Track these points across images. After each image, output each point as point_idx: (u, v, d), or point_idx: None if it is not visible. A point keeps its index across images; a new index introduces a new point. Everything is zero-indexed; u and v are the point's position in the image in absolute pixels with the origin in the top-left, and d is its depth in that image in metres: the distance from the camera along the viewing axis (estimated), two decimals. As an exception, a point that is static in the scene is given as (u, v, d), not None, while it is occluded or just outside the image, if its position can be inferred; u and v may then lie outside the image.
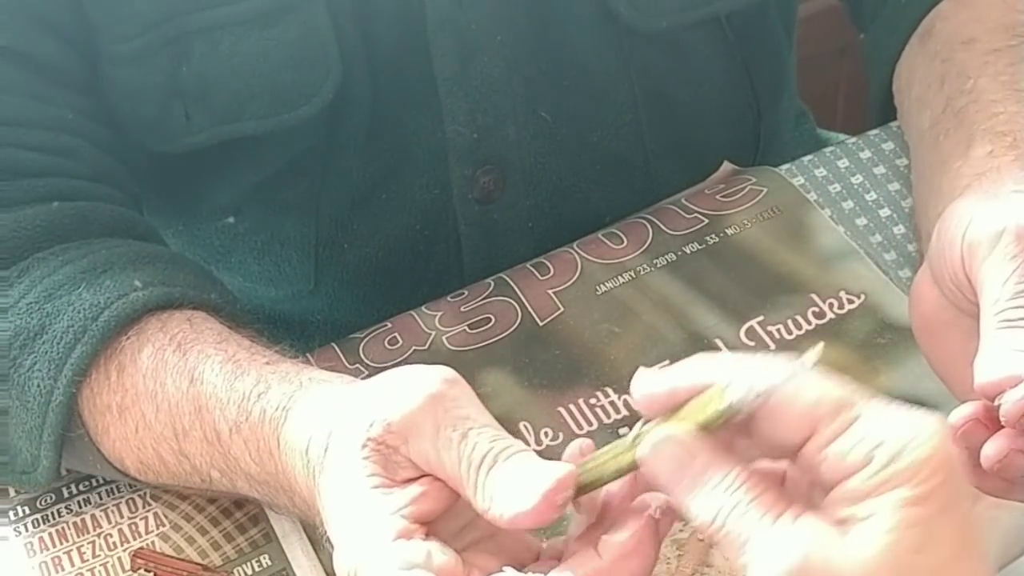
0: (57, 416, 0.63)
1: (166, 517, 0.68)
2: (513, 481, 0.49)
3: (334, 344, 0.75)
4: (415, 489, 0.51)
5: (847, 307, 0.74)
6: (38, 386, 0.63)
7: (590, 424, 0.70)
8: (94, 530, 0.68)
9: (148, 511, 0.68)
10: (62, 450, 0.64)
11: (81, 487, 0.70)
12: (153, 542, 0.67)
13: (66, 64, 0.73)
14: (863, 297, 0.75)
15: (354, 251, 0.86)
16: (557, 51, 0.80)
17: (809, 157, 0.84)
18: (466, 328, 0.75)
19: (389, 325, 0.76)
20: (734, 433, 0.47)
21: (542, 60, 0.80)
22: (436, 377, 0.52)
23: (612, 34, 0.80)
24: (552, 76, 0.81)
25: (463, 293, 0.78)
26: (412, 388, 0.52)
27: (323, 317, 0.88)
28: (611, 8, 0.79)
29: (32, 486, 0.67)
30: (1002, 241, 0.57)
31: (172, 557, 0.66)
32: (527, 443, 0.58)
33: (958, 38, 0.75)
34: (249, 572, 0.65)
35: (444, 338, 0.75)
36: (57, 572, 0.66)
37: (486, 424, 0.51)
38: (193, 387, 0.62)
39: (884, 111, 0.83)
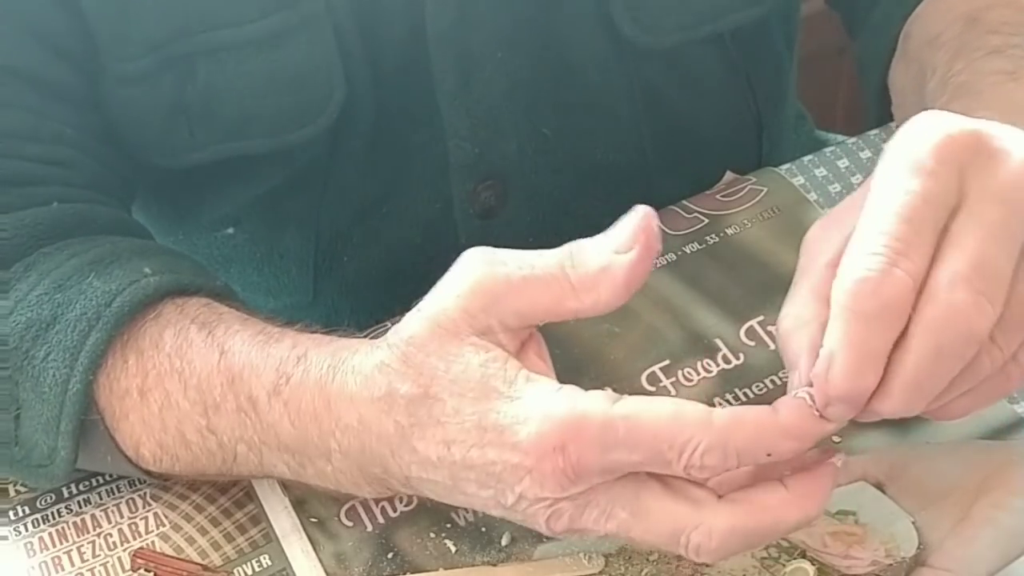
0: (74, 405, 0.63)
1: (166, 517, 0.68)
2: (605, 255, 0.54)
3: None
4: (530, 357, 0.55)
5: (847, 307, 0.74)
6: (53, 376, 0.63)
7: (590, 424, 0.70)
8: (94, 530, 0.68)
9: (148, 511, 0.68)
10: (79, 441, 0.64)
11: (81, 487, 0.70)
12: (153, 542, 0.67)
13: (66, 82, 0.74)
14: (863, 297, 0.74)
15: (354, 264, 0.86)
16: (559, 68, 0.80)
17: (809, 157, 0.84)
18: (466, 328, 0.75)
19: (389, 324, 0.76)
20: None
21: (544, 76, 0.80)
22: (470, 258, 0.55)
23: (615, 51, 0.81)
24: (554, 92, 0.81)
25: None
26: (461, 274, 0.55)
27: (322, 329, 0.89)
28: (615, 26, 0.79)
29: (49, 480, 0.66)
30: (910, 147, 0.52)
31: (172, 557, 0.66)
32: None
33: (926, 37, 0.75)
34: (249, 572, 0.65)
35: (444, 338, 0.75)
36: (57, 572, 0.66)
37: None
38: (224, 359, 0.62)
39: (881, 117, 0.83)
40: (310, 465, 0.61)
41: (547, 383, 0.53)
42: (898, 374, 0.50)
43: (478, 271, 0.55)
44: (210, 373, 0.62)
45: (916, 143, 0.51)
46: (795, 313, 0.55)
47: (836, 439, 0.67)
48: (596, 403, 0.52)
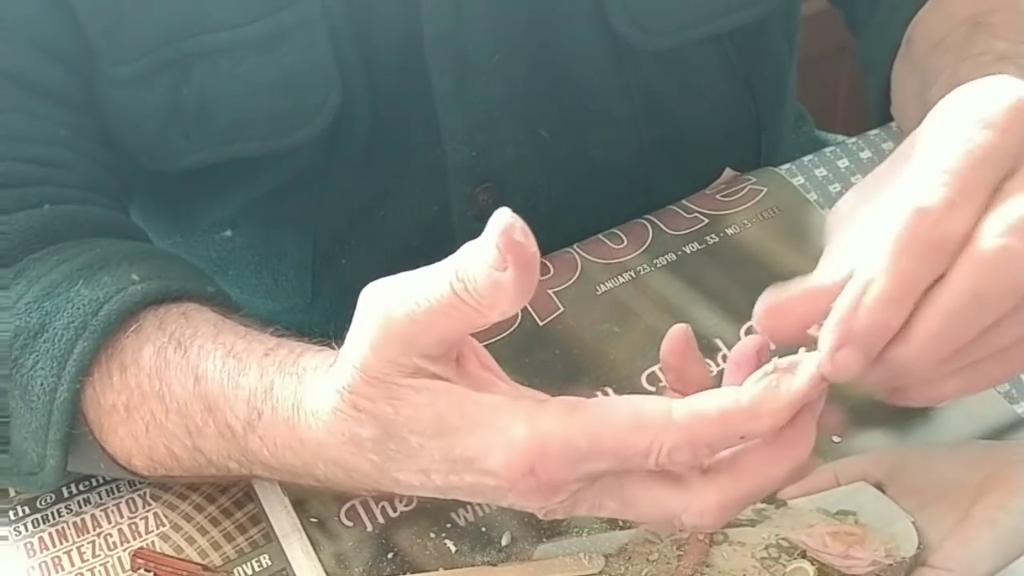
0: (62, 413, 0.63)
1: (166, 517, 0.68)
2: (481, 259, 0.51)
3: (333, 344, 0.75)
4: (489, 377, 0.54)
5: (847, 307, 0.74)
6: (41, 384, 0.63)
7: (590, 424, 0.70)
8: (94, 530, 0.68)
9: (148, 511, 0.68)
10: (68, 448, 0.64)
11: (81, 487, 0.70)
12: (153, 542, 0.67)
13: (62, 84, 0.73)
14: (863, 297, 0.74)
15: (352, 266, 0.86)
16: (557, 70, 0.80)
17: (809, 157, 0.84)
18: (466, 328, 0.75)
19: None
20: None
21: (541, 78, 0.80)
22: (363, 301, 0.54)
23: (613, 53, 0.81)
24: (551, 94, 0.81)
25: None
26: (361, 323, 0.53)
27: (320, 331, 0.89)
28: (612, 28, 0.79)
29: (39, 487, 0.67)
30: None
31: (172, 557, 0.66)
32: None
33: (929, 44, 0.75)
34: (249, 572, 0.65)
35: (444, 338, 0.75)
36: (57, 572, 0.66)
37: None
38: (199, 386, 0.62)
39: (882, 117, 0.83)
40: (301, 480, 0.61)
41: (498, 400, 0.52)
42: (927, 316, 0.48)
43: (380, 318, 0.53)
44: (188, 399, 0.62)
45: (986, 100, 0.50)
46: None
47: (836, 439, 0.67)
48: (553, 421, 0.51)
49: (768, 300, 0.52)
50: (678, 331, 0.57)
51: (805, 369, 0.50)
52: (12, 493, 0.70)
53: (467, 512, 0.66)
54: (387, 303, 0.53)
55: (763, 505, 0.65)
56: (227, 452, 0.62)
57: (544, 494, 0.52)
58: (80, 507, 0.69)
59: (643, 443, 0.50)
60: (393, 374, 0.53)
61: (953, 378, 0.52)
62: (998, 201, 0.49)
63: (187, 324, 0.65)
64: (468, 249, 0.51)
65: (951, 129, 0.50)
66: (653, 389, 0.70)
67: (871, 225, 0.51)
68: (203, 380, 0.62)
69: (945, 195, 0.48)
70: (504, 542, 0.65)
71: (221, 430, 0.61)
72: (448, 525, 0.66)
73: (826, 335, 0.49)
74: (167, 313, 0.65)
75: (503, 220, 0.51)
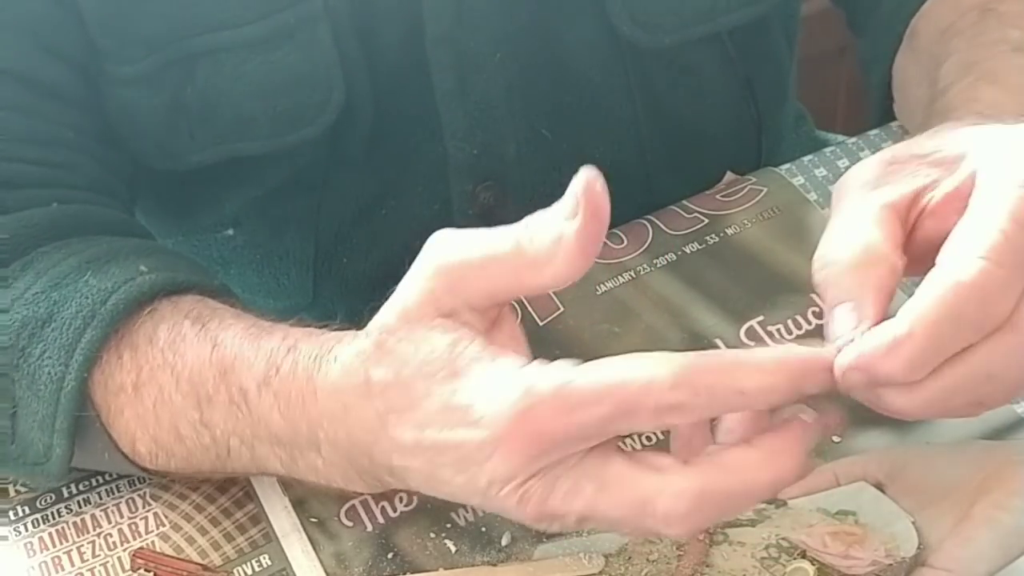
0: (69, 402, 0.63)
1: (166, 517, 0.68)
2: (555, 224, 0.53)
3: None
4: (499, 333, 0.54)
5: (847, 307, 0.74)
6: (49, 374, 0.63)
7: (590, 424, 0.70)
8: (94, 530, 0.68)
9: (148, 511, 0.68)
10: (75, 438, 0.64)
11: (81, 487, 0.70)
12: (153, 542, 0.67)
13: (67, 85, 0.74)
14: (863, 297, 0.74)
15: (353, 265, 0.86)
16: (558, 68, 0.80)
17: (809, 157, 0.84)
18: (466, 328, 0.75)
19: (389, 325, 0.76)
20: None
21: (543, 77, 0.80)
22: (429, 249, 0.55)
23: (614, 52, 0.81)
24: (553, 93, 0.81)
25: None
26: (421, 263, 0.55)
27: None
28: (613, 26, 0.79)
29: (46, 478, 0.66)
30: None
31: (172, 557, 0.66)
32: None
33: (937, 30, 0.75)
34: (249, 572, 0.65)
35: (444, 338, 0.75)
36: (57, 572, 0.66)
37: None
38: (216, 351, 0.62)
39: (883, 114, 0.83)
40: (301, 458, 0.60)
41: (513, 359, 0.53)
42: (935, 382, 0.50)
43: (440, 255, 0.54)
44: (202, 366, 0.62)
45: None
46: (859, 243, 0.53)
47: (836, 439, 0.67)
48: (552, 371, 0.51)
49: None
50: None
51: (807, 348, 0.51)
52: (12, 493, 0.70)
53: (467, 512, 0.66)
54: (452, 242, 0.54)
55: (763, 505, 0.65)
56: (233, 424, 0.61)
57: (530, 448, 0.51)
58: (80, 507, 0.69)
59: (643, 377, 0.49)
60: (430, 311, 0.54)
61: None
62: None
63: (205, 307, 0.66)
64: (543, 211, 0.53)
65: (1003, 193, 0.50)
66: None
67: (889, 215, 0.53)
68: (221, 346, 0.62)
69: (990, 275, 0.49)
70: (504, 542, 0.65)
71: (232, 395, 0.61)
72: (448, 525, 0.66)
73: (850, 354, 0.51)
74: (181, 299, 0.66)
75: (587, 172, 0.53)
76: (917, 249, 0.55)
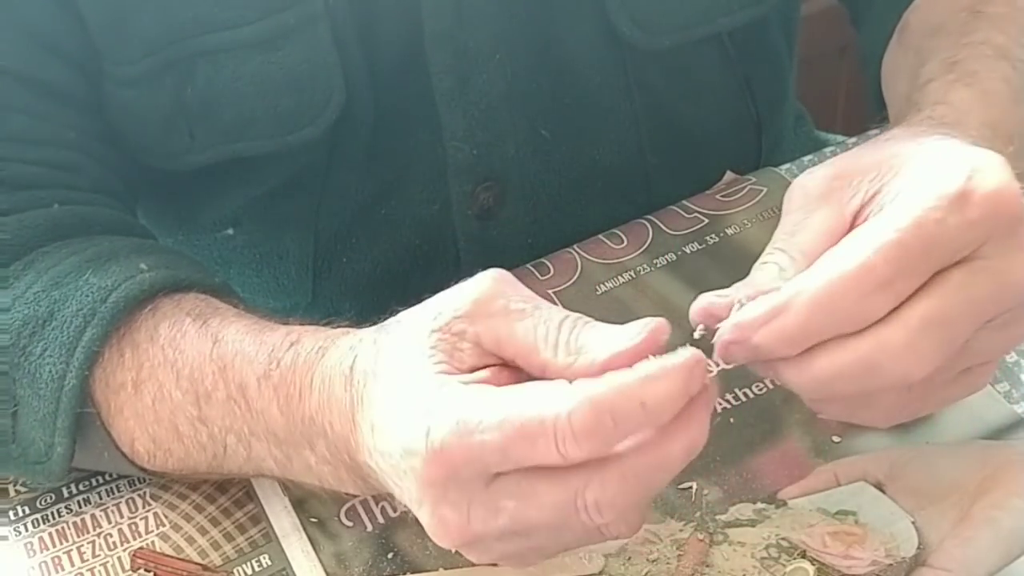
0: (70, 400, 0.63)
1: (166, 517, 0.68)
2: (604, 332, 0.52)
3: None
4: (481, 373, 0.53)
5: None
6: (50, 372, 0.64)
7: (590, 424, 0.70)
8: (94, 530, 0.68)
9: (148, 511, 0.68)
10: (76, 436, 0.64)
11: (81, 487, 0.70)
12: (153, 542, 0.67)
13: (69, 85, 0.74)
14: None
15: (353, 265, 0.86)
16: (558, 69, 0.80)
17: (809, 157, 0.84)
18: (466, 328, 0.75)
19: (389, 325, 0.76)
20: None
21: (542, 78, 0.80)
22: (490, 272, 0.55)
23: (614, 53, 0.81)
24: (552, 94, 0.81)
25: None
26: (470, 283, 0.54)
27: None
28: (614, 27, 0.79)
29: (47, 476, 0.67)
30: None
31: (172, 557, 0.66)
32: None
33: (927, 27, 0.75)
34: (249, 572, 0.65)
35: (444, 338, 0.75)
36: (57, 572, 0.66)
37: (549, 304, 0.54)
38: (217, 347, 0.62)
39: (882, 108, 0.83)
40: (296, 457, 0.61)
41: (443, 382, 0.52)
42: (820, 360, 0.52)
43: (489, 284, 0.54)
44: (202, 362, 0.62)
45: (958, 175, 0.51)
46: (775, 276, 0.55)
47: (836, 439, 0.67)
48: (463, 395, 0.51)
49: (705, 308, 0.55)
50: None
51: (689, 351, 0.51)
52: (12, 493, 0.70)
53: (467, 512, 0.66)
54: (505, 280, 0.55)
55: (763, 505, 0.65)
56: (230, 421, 0.62)
57: (433, 477, 0.50)
58: (80, 507, 0.69)
59: (542, 405, 0.49)
60: (441, 322, 0.54)
61: (833, 404, 0.56)
62: (924, 290, 0.51)
63: (207, 304, 0.66)
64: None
65: (922, 199, 0.51)
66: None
67: (825, 228, 0.54)
68: (222, 343, 0.62)
69: (876, 270, 0.50)
70: (504, 542, 0.65)
71: (231, 392, 0.61)
72: (448, 525, 0.66)
73: (728, 328, 0.53)
74: (183, 297, 0.66)
75: (659, 321, 0.52)
76: None
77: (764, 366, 0.54)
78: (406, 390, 0.53)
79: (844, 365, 0.51)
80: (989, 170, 0.52)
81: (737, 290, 0.55)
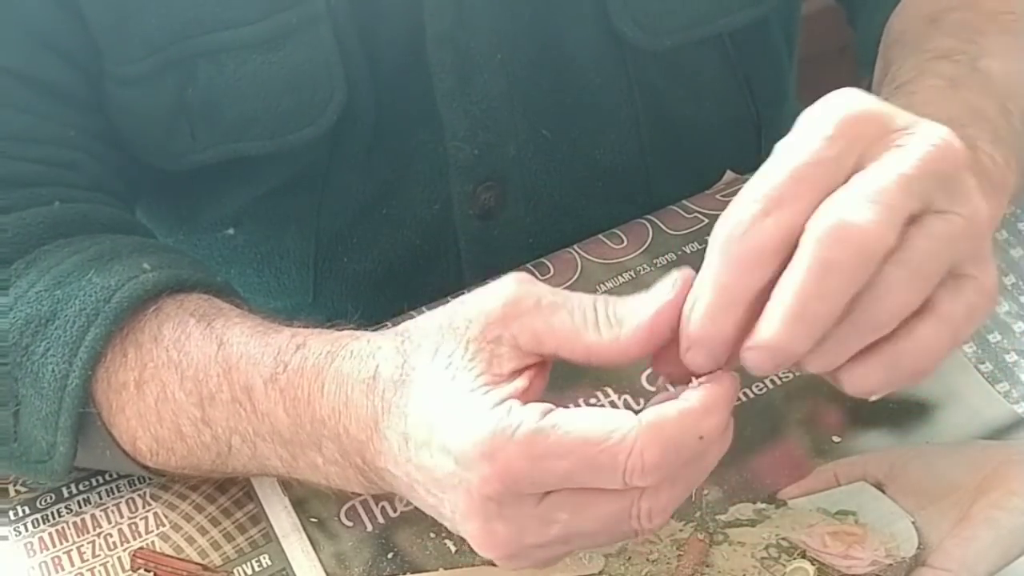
0: (73, 400, 0.63)
1: (166, 517, 0.68)
2: (639, 299, 0.53)
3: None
4: (520, 382, 0.53)
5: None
6: (52, 371, 0.63)
7: (590, 424, 0.70)
8: (94, 530, 0.68)
9: (148, 511, 0.68)
10: (78, 436, 0.64)
11: (81, 487, 0.70)
12: (153, 542, 0.67)
13: (70, 84, 0.74)
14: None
15: (354, 265, 0.86)
16: (559, 69, 0.80)
17: (809, 157, 0.84)
18: (466, 328, 0.75)
19: (389, 325, 0.76)
20: None
21: (543, 78, 0.80)
22: (510, 276, 0.55)
23: (615, 53, 0.81)
24: (553, 94, 0.81)
25: (463, 293, 0.77)
26: (493, 288, 0.54)
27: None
28: (615, 28, 0.79)
29: (48, 476, 0.66)
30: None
31: (172, 557, 0.66)
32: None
33: (893, 36, 0.75)
34: (249, 572, 0.65)
35: (444, 338, 0.75)
36: (57, 572, 0.66)
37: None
38: (223, 350, 0.62)
39: None
40: (302, 456, 0.61)
41: (496, 394, 0.52)
42: (780, 299, 0.49)
43: (514, 285, 0.54)
44: (207, 364, 0.62)
45: (822, 114, 0.52)
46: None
47: (836, 439, 0.67)
48: (527, 412, 0.51)
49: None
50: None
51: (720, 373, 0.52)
52: (12, 493, 0.70)
53: (467, 512, 0.66)
54: (528, 280, 0.55)
55: (763, 505, 0.65)
56: (235, 422, 0.62)
57: (493, 490, 0.51)
58: (80, 507, 0.69)
59: (613, 438, 0.50)
60: (473, 331, 0.54)
61: (868, 364, 0.52)
62: (838, 191, 0.50)
63: (210, 305, 0.66)
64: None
65: (787, 143, 0.52)
66: (653, 389, 0.70)
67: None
68: (227, 345, 0.62)
69: (757, 210, 0.50)
70: (504, 542, 0.65)
71: (235, 394, 0.61)
72: (448, 525, 0.66)
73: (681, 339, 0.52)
74: (187, 298, 0.66)
75: (687, 270, 0.54)
76: None
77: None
78: (452, 405, 0.53)
79: (801, 281, 0.49)
80: (844, 97, 0.53)
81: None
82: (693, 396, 0.52)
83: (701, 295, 0.51)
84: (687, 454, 0.51)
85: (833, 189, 0.50)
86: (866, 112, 0.52)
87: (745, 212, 0.50)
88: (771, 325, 0.49)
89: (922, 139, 0.51)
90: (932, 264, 0.50)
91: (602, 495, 0.52)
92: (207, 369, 0.62)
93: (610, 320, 0.53)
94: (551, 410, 0.52)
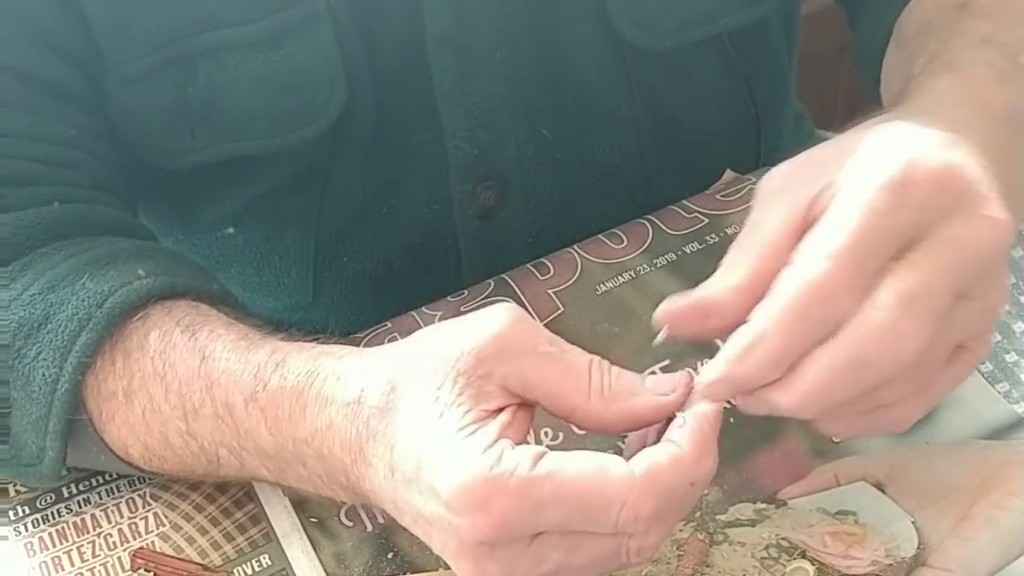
0: (63, 404, 0.63)
1: (166, 517, 0.68)
2: (634, 382, 0.54)
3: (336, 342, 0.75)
4: (504, 417, 0.53)
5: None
6: (43, 375, 0.63)
7: (590, 424, 0.70)
8: (94, 530, 0.68)
9: (148, 511, 0.68)
10: (68, 440, 0.64)
11: (81, 487, 0.70)
12: (153, 542, 0.67)
13: (70, 83, 0.74)
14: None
15: (353, 264, 0.86)
16: (559, 69, 0.80)
17: (809, 157, 0.84)
18: (466, 328, 0.75)
19: (389, 325, 0.76)
20: None
21: (543, 78, 0.80)
22: (507, 307, 0.54)
23: (615, 53, 0.81)
24: (553, 94, 0.81)
25: (463, 293, 0.78)
26: (489, 319, 0.54)
27: (322, 329, 0.89)
28: (614, 28, 0.79)
29: (39, 479, 0.67)
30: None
31: (172, 557, 0.66)
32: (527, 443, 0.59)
33: (919, 24, 0.75)
34: (249, 572, 0.65)
35: (444, 338, 0.75)
36: (57, 572, 0.66)
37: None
38: (205, 364, 0.62)
39: (882, 109, 0.83)
40: (289, 469, 0.61)
41: (486, 433, 0.52)
42: (807, 372, 0.51)
43: (511, 320, 0.54)
44: (191, 377, 0.62)
45: (896, 163, 0.51)
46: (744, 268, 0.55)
47: (836, 439, 0.67)
48: (520, 458, 0.51)
49: (668, 308, 0.55)
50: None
51: (704, 406, 0.53)
52: (12, 493, 0.70)
53: (467, 512, 0.66)
54: (529, 319, 0.54)
55: (763, 505, 0.65)
56: (220, 436, 0.62)
57: (486, 537, 0.51)
58: (80, 507, 0.69)
59: (608, 491, 0.50)
60: (464, 365, 0.53)
61: (844, 421, 0.55)
62: (887, 274, 0.51)
63: (198, 314, 0.65)
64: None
65: (860, 189, 0.51)
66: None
67: (783, 229, 0.54)
68: (210, 359, 0.62)
69: (834, 274, 0.50)
70: (504, 542, 0.64)
71: (217, 410, 0.61)
72: (448, 525, 0.66)
73: (711, 368, 0.53)
74: (175, 305, 0.66)
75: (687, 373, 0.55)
76: None
77: (756, 401, 0.53)
78: (440, 444, 0.52)
79: (833, 366, 0.51)
80: (927, 151, 0.52)
81: (696, 294, 0.55)
82: (683, 440, 0.52)
83: (763, 340, 0.51)
84: (679, 499, 0.52)
85: (900, 249, 0.51)
86: (936, 172, 0.52)
87: (823, 277, 0.51)
88: (790, 395, 0.52)
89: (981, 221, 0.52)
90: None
91: (593, 536, 0.52)
92: (191, 383, 0.62)
93: (603, 392, 0.53)
94: (543, 454, 0.51)
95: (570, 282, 0.77)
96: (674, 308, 0.55)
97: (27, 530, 0.68)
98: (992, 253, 0.52)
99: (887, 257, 0.51)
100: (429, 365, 0.54)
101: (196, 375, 0.62)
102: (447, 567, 0.64)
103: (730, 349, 0.52)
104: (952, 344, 0.53)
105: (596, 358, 0.54)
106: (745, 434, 0.68)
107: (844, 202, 0.52)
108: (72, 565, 0.66)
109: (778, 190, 0.56)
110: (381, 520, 0.66)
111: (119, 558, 0.66)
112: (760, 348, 0.51)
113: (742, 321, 0.52)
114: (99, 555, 0.67)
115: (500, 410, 0.53)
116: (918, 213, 0.51)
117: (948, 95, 0.63)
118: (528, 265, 0.79)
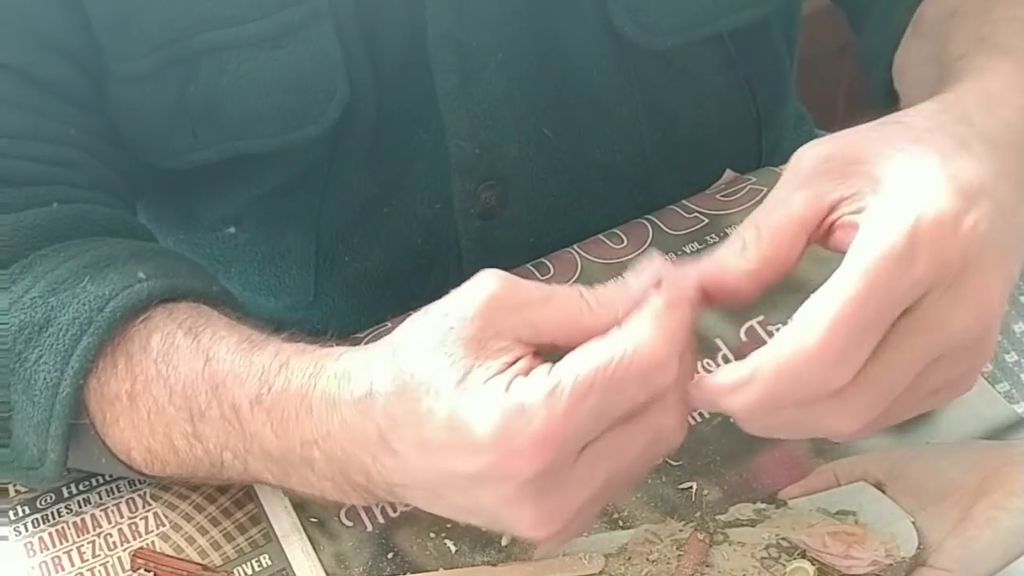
0: (64, 408, 0.63)
1: (166, 517, 0.68)
2: (620, 285, 0.55)
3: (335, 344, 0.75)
4: (521, 364, 0.53)
5: (847, 307, 0.74)
6: (44, 379, 0.63)
7: (590, 424, 0.70)
8: (94, 530, 0.68)
9: (148, 511, 0.68)
10: (69, 443, 0.64)
11: (81, 487, 0.70)
12: (153, 542, 0.67)
13: (70, 83, 0.74)
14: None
15: (354, 264, 0.86)
16: (560, 69, 0.80)
17: (809, 157, 0.84)
18: (466, 328, 0.75)
19: (389, 325, 0.76)
20: None
21: (544, 77, 0.80)
22: (490, 271, 0.55)
23: (615, 53, 0.81)
24: (554, 93, 0.81)
25: (462, 293, 0.78)
26: (479, 284, 0.55)
27: (323, 328, 0.89)
28: (615, 27, 0.79)
29: (39, 482, 0.67)
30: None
31: (172, 557, 0.66)
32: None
33: (943, 13, 0.74)
34: (249, 572, 0.65)
35: (444, 338, 0.75)
36: (57, 572, 0.66)
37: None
38: (209, 366, 0.62)
39: (886, 111, 0.83)
40: (294, 473, 0.60)
41: (502, 379, 0.53)
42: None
43: (496, 281, 0.54)
44: (195, 380, 0.62)
45: (905, 225, 0.52)
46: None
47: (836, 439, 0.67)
48: (533, 381, 0.52)
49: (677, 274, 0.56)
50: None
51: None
52: (12, 493, 0.70)
53: (467, 512, 0.66)
54: (508, 276, 0.55)
55: (763, 505, 0.65)
56: (225, 439, 0.61)
57: (540, 461, 0.51)
58: (80, 507, 0.69)
59: (625, 350, 0.51)
60: (472, 331, 0.54)
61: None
62: (895, 340, 0.52)
63: (199, 316, 0.65)
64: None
65: (883, 241, 0.52)
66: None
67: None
68: (213, 361, 0.62)
69: (839, 345, 0.51)
70: (504, 542, 0.65)
71: (224, 411, 0.61)
72: (448, 525, 0.66)
73: (698, 384, 0.55)
74: (176, 307, 0.66)
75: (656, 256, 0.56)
76: (832, 247, 0.56)
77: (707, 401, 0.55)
78: (468, 398, 0.52)
79: (790, 421, 0.54)
80: (941, 203, 0.52)
81: (710, 271, 0.57)
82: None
83: (751, 384, 0.52)
84: (686, 333, 0.54)
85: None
86: (955, 239, 0.53)
87: (843, 345, 0.52)
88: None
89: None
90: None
91: (628, 427, 0.53)
92: (195, 386, 0.62)
93: (603, 301, 0.54)
94: (551, 368, 0.52)
95: (570, 282, 0.77)
96: (685, 280, 0.56)
97: (27, 530, 0.68)
98: (976, 333, 0.53)
99: (883, 329, 0.52)
100: (436, 340, 0.54)
101: (200, 377, 0.62)
102: (447, 567, 0.64)
103: (720, 381, 0.53)
104: (927, 391, 0.54)
105: (578, 286, 0.55)
106: (745, 434, 0.67)
107: (853, 263, 0.52)
108: (72, 565, 0.66)
109: (809, 177, 0.57)
110: (381, 520, 0.66)
111: (119, 558, 0.66)
112: (747, 393, 0.52)
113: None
114: (99, 555, 0.67)
115: (516, 361, 0.53)
116: (916, 287, 0.51)
117: (1008, 81, 0.63)
118: (528, 265, 0.79)
